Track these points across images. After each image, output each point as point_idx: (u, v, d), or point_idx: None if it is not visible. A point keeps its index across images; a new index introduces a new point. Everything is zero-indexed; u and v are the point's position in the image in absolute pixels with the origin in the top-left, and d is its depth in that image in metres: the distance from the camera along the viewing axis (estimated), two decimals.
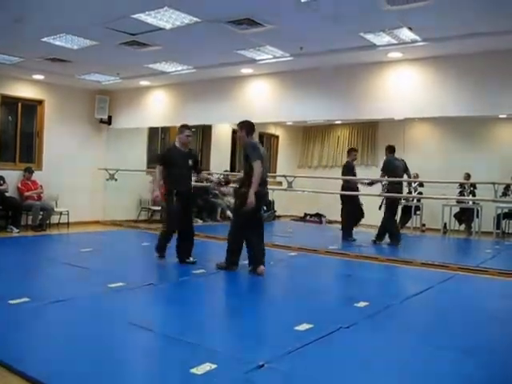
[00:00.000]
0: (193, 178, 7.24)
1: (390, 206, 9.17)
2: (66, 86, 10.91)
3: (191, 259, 6.78)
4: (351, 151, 9.93)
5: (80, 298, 4.80)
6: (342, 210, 9.84)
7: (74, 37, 7.30)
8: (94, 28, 6.81)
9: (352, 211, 9.68)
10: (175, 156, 6.71)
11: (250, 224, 6.19)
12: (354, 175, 9.70)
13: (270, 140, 15.76)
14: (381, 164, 13.60)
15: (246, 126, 6.27)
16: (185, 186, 6.81)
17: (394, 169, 9.03)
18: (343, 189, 9.68)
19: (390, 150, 9.29)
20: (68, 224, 10.57)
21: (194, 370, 3.08)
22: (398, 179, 9.00)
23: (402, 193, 9.43)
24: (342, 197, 9.66)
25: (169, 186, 6.75)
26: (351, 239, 9.64)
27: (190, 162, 6.83)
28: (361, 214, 9.85)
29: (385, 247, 9.11)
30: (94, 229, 10.78)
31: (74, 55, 8.28)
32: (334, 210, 13.99)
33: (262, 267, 6.12)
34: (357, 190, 9.71)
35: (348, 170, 9.61)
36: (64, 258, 7.02)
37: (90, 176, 11.46)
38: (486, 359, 3.63)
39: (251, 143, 6.19)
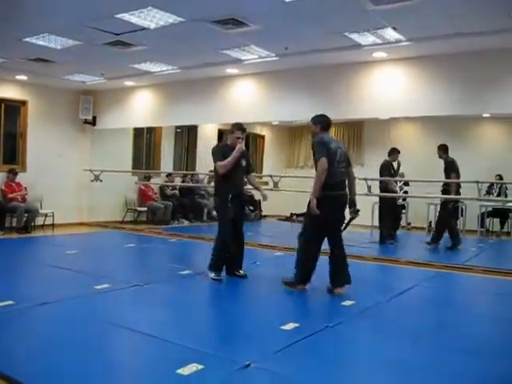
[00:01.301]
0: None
1: (448, 206, 8.86)
2: (49, 86, 10.82)
3: (242, 272, 6.08)
4: (395, 152, 9.41)
5: (65, 299, 4.76)
6: (379, 212, 9.55)
7: (57, 37, 7.23)
8: (77, 28, 6.75)
9: (390, 213, 9.37)
10: (228, 155, 5.88)
11: (326, 235, 5.37)
12: (393, 176, 9.36)
13: (256, 140, 15.77)
14: (367, 163, 13.82)
15: (322, 121, 5.44)
16: (239, 190, 6.08)
17: (458, 169, 8.55)
18: (380, 190, 9.33)
19: (445, 149, 8.75)
20: (53, 226, 10.49)
21: (180, 371, 3.07)
22: (456, 180, 8.52)
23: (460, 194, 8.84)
24: (381, 199, 9.38)
25: (222, 189, 5.97)
26: (389, 242, 9.33)
27: (244, 162, 6.05)
28: (397, 217, 9.60)
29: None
30: (80, 230, 10.71)
31: (58, 55, 8.21)
32: None
33: (342, 289, 5.33)
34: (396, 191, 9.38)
35: (385, 169, 9.25)
36: (49, 260, 6.96)
37: (74, 177, 11.38)
38: (472, 355, 3.65)
39: (320, 139, 5.25)
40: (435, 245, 8.93)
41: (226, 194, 5.85)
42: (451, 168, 8.51)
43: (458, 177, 8.49)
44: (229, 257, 5.99)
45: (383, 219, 9.51)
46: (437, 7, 5.69)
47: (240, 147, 5.82)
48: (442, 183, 9.00)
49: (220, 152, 5.96)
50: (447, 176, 8.56)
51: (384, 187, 9.30)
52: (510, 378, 3.34)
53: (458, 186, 8.59)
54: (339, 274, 5.35)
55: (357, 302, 4.98)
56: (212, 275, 5.83)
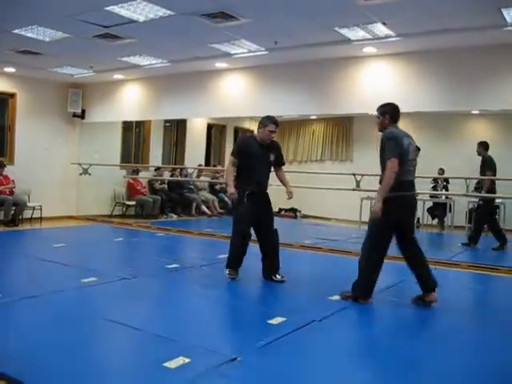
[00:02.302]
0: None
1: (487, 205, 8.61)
2: (38, 79, 10.75)
3: (279, 277, 5.63)
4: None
5: (52, 293, 4.75)
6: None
7: (46, 29, 7.18)
8: (66, 20, 6.70)
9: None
10: (253, 149, 5.54)
11: (402, 244, 4.91)
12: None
13: (245, 134, 15.74)
14: (356, 159, 13.86)
15: (392, 111, 4.81)
16: (260, 186, 5.62)
17: (495, 167, 8.21)
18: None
19: (486, 146, 8.38)
20: (41, 219, 10.44)
21: (167, 364, 3.07)
22: (493, 178, 8.21)
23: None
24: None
25: (239, 184, 5.52)
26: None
27: (272, 156, 5.65)
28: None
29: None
30: (68, 224, 10.67)
31: (46, 48, 8.15)
32: (309, 205, 14.13)
33: (434, 294, 4.80)
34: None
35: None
36: (36, 254, 6.93)
37: (63, 170, 11.34)
38: (462, 349, 3.68)
39: (391, 134, 4.63)
40: (473, 246, 8.63)
41: (242, 190, 5.48)
42: (488, 166, 8.21)
43: (493, 175, 8.21)
44: (262, 259, 5.75)
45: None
46: (426, 3, 5.72)
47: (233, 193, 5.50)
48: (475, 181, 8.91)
49: (239, 146, 5.69)
50: (482, 173, 8.28)
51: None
52: None
53: (493, 183, 8.35)
54: (427, 278, 4.82)
55: None
56: (226, 272, 5.65)
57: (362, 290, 4.79)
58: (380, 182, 4.63)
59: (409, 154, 4.61)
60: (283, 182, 5.89)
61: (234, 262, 5.65)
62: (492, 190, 8.28)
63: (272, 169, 5.78)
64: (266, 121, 5.58)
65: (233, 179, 5.55)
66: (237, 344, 3.52)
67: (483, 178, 10.06)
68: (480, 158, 8.30)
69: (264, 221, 5.64)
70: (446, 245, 9.90)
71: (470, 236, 8.78)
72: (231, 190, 5.50)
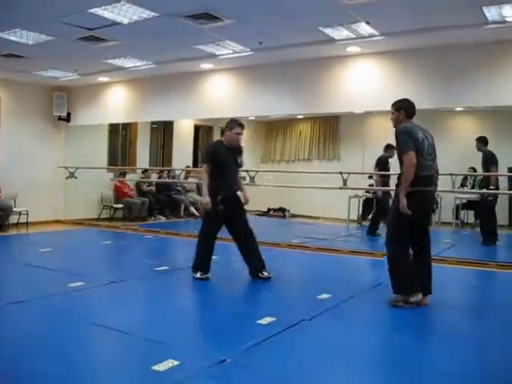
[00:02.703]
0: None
1: (487, 201, 8.51)
2: (22, 82, 10.65)
3: (266, 274, 5.72)
4: (390, 148, 9.02)
5: (40, 298, 4.71)
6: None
7: (29, 32, 7.13)
8: (49, 23, 6.66)
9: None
10: (222, 154, 5.64)
11: (414, 237, 4.72)
12: (387, 170, 9.21)
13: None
14: (343, 158, 13.90)
15: (406, 106, 4.80)
16: (232, 190, 5.76)
17: (497, 162, 8.19)
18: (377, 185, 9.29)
19: (486, 141, 8.37)
20: (27, 224, 10.35)
21: (156, 367, 3.06)
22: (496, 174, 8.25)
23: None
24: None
25: (212, 189, 5.58)
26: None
27: (239, 159, 5.82)
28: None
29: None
30: (55, 228, 10.60)
31: (30, 51, 8.09)
32: (297, 205, 14.16)
33: (427, 298, 4.69)
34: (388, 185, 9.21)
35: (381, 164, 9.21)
36: (23, 259, 6.87)
37: (49, 174, 11.24)
38: (448, 347, 3.70)
39: (404, 128, 4.60)
40: (493, 244, 8.49)
41: (215, 195, 5.57)
42: (491, 161, 8.19)
43: (497, 170, 8.24)
44: (244, 257, 5.82)
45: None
46: (408, 2, 5.76)
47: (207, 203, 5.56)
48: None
49: (210, 153, 5.74)
50: (486, 169, 8.24)
51: (382, 181, 9.34)
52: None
53: (497, 179, 8.35)
54: (427, 282, 4.67)
55: (333, 295, 5.00)
56: (195, 275, 5.68)
57: (403, 290, 4.62)
58: (398, 178, 4.60)
59: (424, 147, 4.54)
60: (239, 186, 5.96)
61: (205, 263, 5.71)
62: (498, 185, 8.31)
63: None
64: (232, 124, 5.69)
65: (208, 188, 5.59)
66: (226, 345, 3.51)
67: (473, 174, 10.17)
68: (480, 153, 8.35)
69: (238, 222, 5.76)
70: (433, 241, 9.92)
71: (484, 234, 8.61)
72: (206, 199, 5.56)
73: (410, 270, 4.61)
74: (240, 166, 5.90)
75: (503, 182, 9.04)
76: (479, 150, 8.43)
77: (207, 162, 5.67)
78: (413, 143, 4.46)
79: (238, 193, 5.85)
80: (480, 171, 9.59)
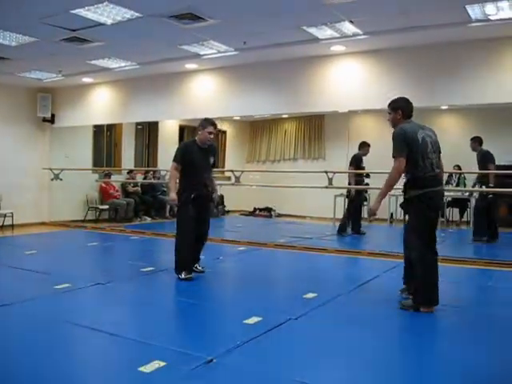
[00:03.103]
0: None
1: (487, 198, 8.52)
2: (5, 84, 10.57)
3: (199, 268, 5.98)
4: (365, 145, 9.46)
5: (24, 300, 4.67)
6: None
7: (11, 33, 7.08)
8: (32, 24, 6.62)
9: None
10: (193, 154, 5.72)
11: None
12: (361, 168, 9.38)
13: (217, 135, 15.71)
14: (328, 157, 13.94)
15: (404, 106, 4.61)
16: (203, 189, 5.78)
17: (494, 160, 8.28)
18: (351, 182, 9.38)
19: (480, 141, 8.41)
20: (13, 226, 10.28)
21: (142, 369, 3.05)
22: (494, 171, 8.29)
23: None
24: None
25: (184, 188, 5.71)
26: (345, 234, 9.45)
27: (212, 159, 5.88)
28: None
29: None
30: (40, 230, 10.52)
31: (13, 52, 8.03)
32: (283, 204, 14.18)
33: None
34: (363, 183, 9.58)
35: (353, 162, 9.36)
36: (8, 261, 6.80)
37: (34, 176, 11.18)
38: (433, 346, 3.73)
39: (399, 130, 4.45)
40: (494, 241, 8.59)
41: (187, 193, 5.65)
42: (488, 159, 8.23)
43: (494, 168, 8.30)
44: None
45: (348, 211, 9.72)
46: (392, 1, 5.78)
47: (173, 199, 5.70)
48: (476, 175, 8.89)
49: (181, 152, 5.78)
50: (483, 167, 8.24)
51: (357, 180, 9.44)
52: None
53: (497, 176, 8.40)
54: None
55: (319, 294, 5.02)
56: (180, 276, 5.68)
57: (426, 298, 4.45)
58: (409, 184, 4.49)
59: (427, 147, 4.41)
60: (211, 185, 5.97)
61: (188, 263, 5.75)
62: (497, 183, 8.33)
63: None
64: (205, 123, 5.77)
65: (175, 185, 5.73)
66: (213, 345, 3.51)
67: (458, 172, 10.24)
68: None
69: (200, 222, 5.78)
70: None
71: (489, 235, 8.65)
72: (173, 196, 5.68)
73: (436, 280, 4.45)
74: (213, 165, 5.97)
75: None
76: (474, 149, 8.47)
77: (177, 161, 5.73)
78: (407, 148, 4.33)
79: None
80: (466, 169, 9.70)
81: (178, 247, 5.76)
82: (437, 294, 4.44)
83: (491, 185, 8.16)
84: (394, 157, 4.39)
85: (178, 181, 5.77)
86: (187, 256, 5.74)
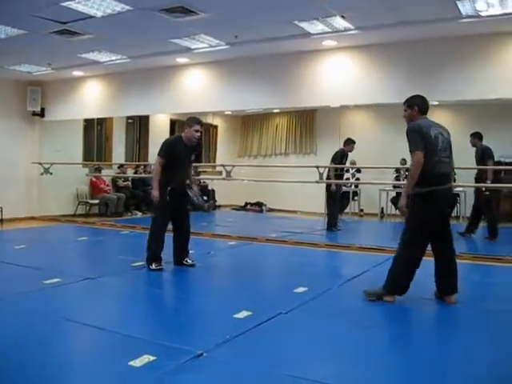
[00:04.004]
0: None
1: (483, 195, 8.55)
2: None
3: (189, 261, 6.03)
4: (350, 142, 9.42)
5: (14, 295, 4.65)
6: (326, 200, 9.37)
7: (0, 26, 7.01)
8: (21, 16, 6.57)
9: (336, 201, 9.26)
10: (179, 150, 5.81)
11: (432, 235, 4.59)
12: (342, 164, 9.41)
13: (208, 130, 15.68)
14: (319, 152, 13.95)
15: (420, 103, 4.70)
16: (180, 183, 5.90)
17: (493, 156, 8.30)
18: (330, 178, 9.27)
19: (481, 137, 8.43)
20: (2, 221, 10.22)
21: (132, 363, 3.04)
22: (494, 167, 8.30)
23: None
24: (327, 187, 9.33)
25: (163, 182, 5.80)
26: (336, 229, 9.49)
27: (193, 156, 6.01)
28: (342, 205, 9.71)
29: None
30: (30, 225, 10.47)
31: (2, 45, 7.94)
32: (274, 199, 14.19)
33: (454, 297, 4.61)
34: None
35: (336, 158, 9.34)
36: None
37: (23, 170, 11.11)
38: (420, 341, 3.75)
39: (414, 126, 4.53)
40: (469, 235, 8.67)
41: (165, 187, 5.77)
42: (488, 155, 8.25)
43: (493, 164, 8.32)
44: (174, 246, 6.03)
45: (329, 207, 9.69)
46: None
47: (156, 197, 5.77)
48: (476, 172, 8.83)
49: (167, 147, 5.86)
50: (483, 163, 8.25)
51: (335, 176, 9.43)
52: None
53: (495, 172, 8.41)
54: (453, 279, 4.62)
55: (309, 288, 5.02)
56: (150, 267, 5.77)
57: (391, 289, 4.59)
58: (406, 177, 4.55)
59: (438, 144, 4.44)
60: (190, 179, 6.13)
61: (158, 254, 5.83)
62: (496, 179, 8.36)
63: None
64: (191, 121, 5.81)
65: (160, 181, 5.79)
66: (202, 340, 3.51)
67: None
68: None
69: (180, 218, 5.96)
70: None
71: (489, 230, 8.66)
72: (156, 193, 5.76)
73: (411, 277, 4.52)
74: (192, 162, 6.10)
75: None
76: (474, 145, 8.46)
77: (162, 156, 5.82)
78: (422, 142, 4.37)
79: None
80: (456, 165, 9.70)
81: (149, 239, 5.89)
82: (405, 286, 4.52)
83: (489, 182, 8.15)
84: (410, 151, 4.43)
85: None
86: (156, 248, 5.83)
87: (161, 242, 5.86)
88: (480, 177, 8.53)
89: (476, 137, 8.46)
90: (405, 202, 4.43)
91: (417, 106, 4.64)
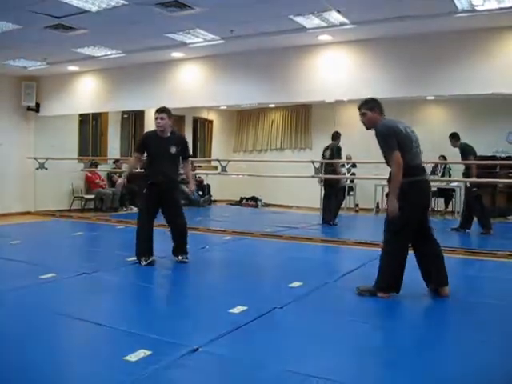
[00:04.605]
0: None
1: (471, 191, 8.54)
2: None
3: (180, 258, 6.01)
4: (339, 135, 9.56)
5: (9, 290, 4.63)
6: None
7: None
8: (15, 11, 6.53)
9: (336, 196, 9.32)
10: (152, 143, 5.81)
11: (415, 234, 4.60)
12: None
13: (203, 125, 15.68)
14: (315, 147, 13.95)
15: (378, 105, 4.69)
16: (162, 177, 5.73)
17: (475, 152, 8.37)
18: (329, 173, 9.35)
19: (458, 137, 8.46)
20: None
21: (127, 358, 3.05)
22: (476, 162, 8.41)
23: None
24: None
25: (145, 175, 5.87)
26: (333, 223, 9.55)
27: (174, 149, 5.79)
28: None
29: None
30: (25, 220, 10.44)
31: None
32: (269, 194, 14.19)
33: (446, 288, 4.63)
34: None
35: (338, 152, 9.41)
36: None
37: (18, 166, 11.09)
38: (413, 333, 3.77)
39: (384, 127, 4.51)
40: (488, 232, 8.58)
41: (144, 181, 5.83)
42: (468, 152, 8.29)
43: (476, 159, 8.40)
44: (174, 242, 6.04)
45: (331, 202, 9.66)
46: None
47: (119, 183, 5.97)
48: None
49: (139, 141, 6.06)
50: (466, 160, 8.36)
51: (334, 170, 9.40)
52: None
53: (479, 168, 8.48)
54: (443, 271, 4.62)
55: (304, 283, 5.04)
56: (141, 263, 5.80)
57: (383, 285, 4.59)
58: (389, 181, 4.52)
59: (411, 136, 4.50)
60: (186, 175, 6.25)
61: (146, 248, 5.85)
62: (479, 174, 8.41)
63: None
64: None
65: (128, 172, 6.04)
66: (198, 335, 3.51)
67: (443, 162, 10.31)
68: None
69: (170, 212, 5.96)
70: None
71: (482, 225, 8.68)
72: (119, 181, 6.00)
73: (401, 272, 4.53)
74: (185, 157, 6.06)
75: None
76: (454, 146, 8.51)
77: (135, 149, 6.15)
78: (396, 140, 4.37)
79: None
80: (450, 160, 9.75)
81: (136, 235, 5.93)
82: (398, 283, 4.55)
83: (474, 178, 8.21)
84: (386, 153, 4.43)
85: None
86: (141, 243, 5.86)
87: (145, 237, 5.84)
88: (467, 173, 8.60)
89: (453, 138, 8.52)
90: (397, 205, 4.35)
91: (377, 107, 4.65)
